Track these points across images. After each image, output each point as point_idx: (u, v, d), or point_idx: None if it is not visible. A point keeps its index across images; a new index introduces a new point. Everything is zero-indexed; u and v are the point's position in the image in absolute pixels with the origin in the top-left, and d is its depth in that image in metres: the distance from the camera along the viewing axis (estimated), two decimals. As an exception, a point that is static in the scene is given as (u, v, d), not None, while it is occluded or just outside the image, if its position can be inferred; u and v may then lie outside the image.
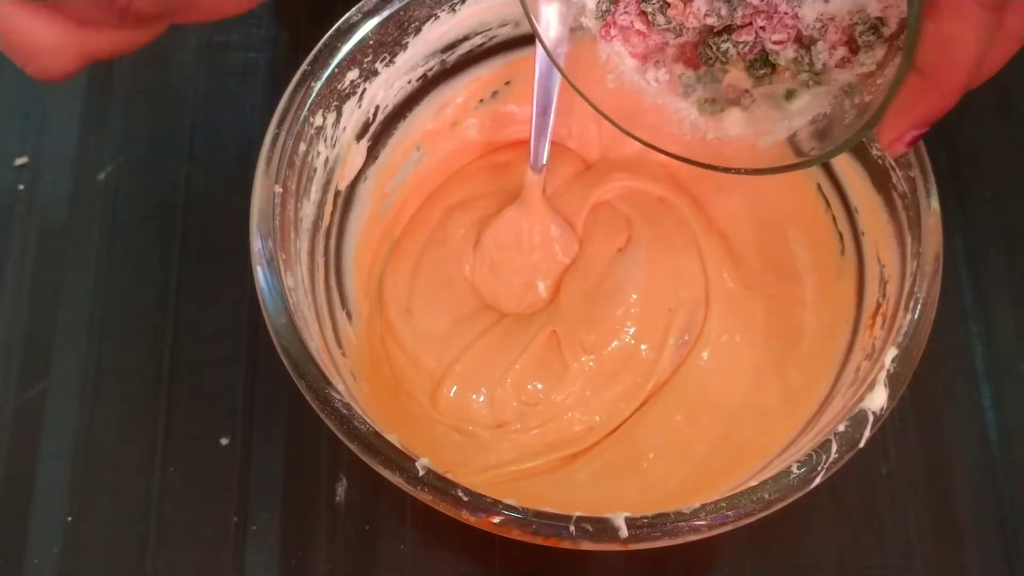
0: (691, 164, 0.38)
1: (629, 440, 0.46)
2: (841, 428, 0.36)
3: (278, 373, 0.38)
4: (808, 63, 0.35)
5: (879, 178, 0.42)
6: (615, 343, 0.46)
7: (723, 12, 0.36)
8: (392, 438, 0.36)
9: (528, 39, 0.46)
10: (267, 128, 0.40)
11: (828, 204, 0.46)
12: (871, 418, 0.36)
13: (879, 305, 0.41)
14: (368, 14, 0.42)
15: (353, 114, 0.43)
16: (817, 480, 0.36)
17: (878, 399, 0.37)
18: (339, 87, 0.42)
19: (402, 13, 0.43)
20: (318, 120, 0.41)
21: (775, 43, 0.36)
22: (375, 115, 0.45)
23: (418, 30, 0.44)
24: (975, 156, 0.52)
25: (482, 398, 0.46)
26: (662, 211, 0.49)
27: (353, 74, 0.42)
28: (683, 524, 0.34)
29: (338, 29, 0.42)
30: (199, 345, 0.48)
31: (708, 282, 0.48)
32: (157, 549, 0.45)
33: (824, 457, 0.36)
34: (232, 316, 0.48)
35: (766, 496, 0.35)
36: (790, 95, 0.37)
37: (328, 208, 0.44)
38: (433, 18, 0.44)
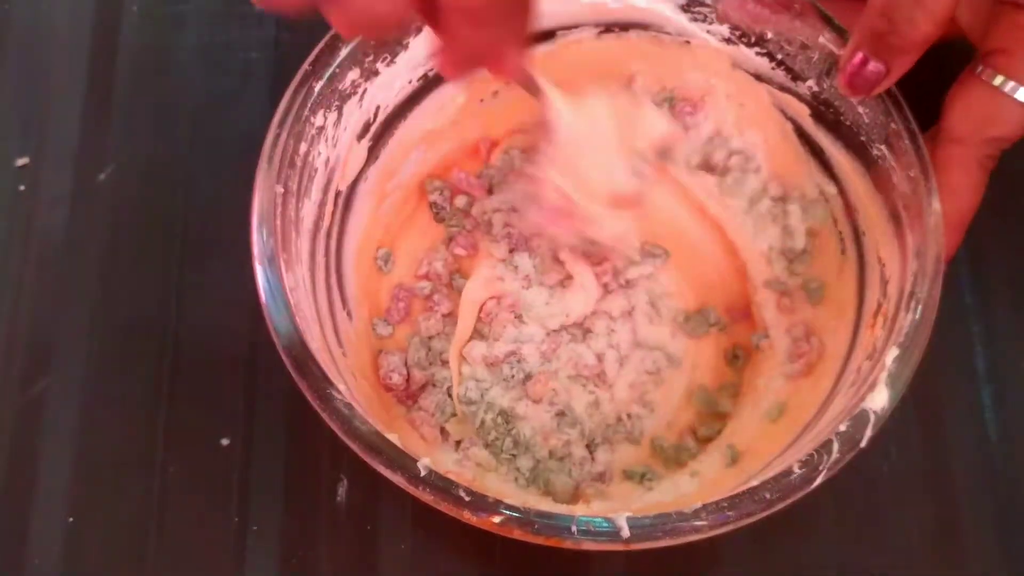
0: None
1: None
2: (842, 428, 0.36)
3: (278, 373, 0.38)
4: None
5: (879, 178, 0.42)
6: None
7: None
8: (393, 438, 0.36)
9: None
10: (268, 128, 0.40)
11: (828, 204, 0.46)
12: (872, 418, 0.36)
13: (880, 305, 0.41)
14: (369, 14, 0.42)
15: (354, 114, 0.43)
16: (818, 480, 0.36)
17: (879, 399, 0.37)
18: (340, 87, 0.42)
19: (403, 13, 0.43)
20: (319, 120, 0.41)
21: None
22: (376, 115, 0.45)
23: (419, 30, 0.44)
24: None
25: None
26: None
27: (354, 74, 0.42)
28: (684, 524, 0.34)
29: (339, 29, 0.42)
30: (199, 345, 0.48)
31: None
32: (157, 549, 0.45)
33: (825, 457, 0.36)
34: (232, 316, 0.48)
35: (767, 496, 0.35)
36: None
37: (329, 208, 0.44)
38: (434, 18, 0.44)
